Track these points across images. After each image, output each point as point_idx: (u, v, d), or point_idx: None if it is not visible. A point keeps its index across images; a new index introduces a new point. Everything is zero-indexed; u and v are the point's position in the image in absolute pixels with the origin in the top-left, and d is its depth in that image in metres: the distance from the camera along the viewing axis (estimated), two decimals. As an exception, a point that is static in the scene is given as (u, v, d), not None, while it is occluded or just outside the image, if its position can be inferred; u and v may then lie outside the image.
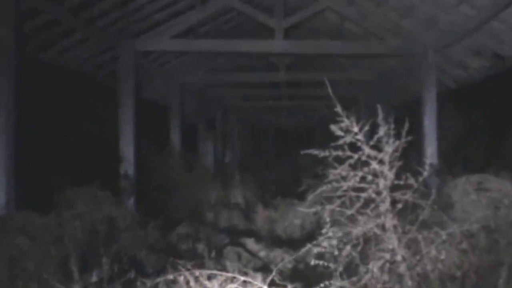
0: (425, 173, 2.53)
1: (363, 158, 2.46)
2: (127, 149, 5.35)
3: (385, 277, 2.35)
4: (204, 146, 9.34)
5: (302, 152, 2.55)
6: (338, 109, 2.41)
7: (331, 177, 2.43)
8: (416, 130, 6.07)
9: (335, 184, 2.44)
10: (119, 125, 5.39)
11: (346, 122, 2.41)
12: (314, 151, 2.39)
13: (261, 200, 7.87)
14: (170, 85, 8.18)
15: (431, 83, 5.94)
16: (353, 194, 2.45)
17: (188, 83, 8.77)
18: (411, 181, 2.47)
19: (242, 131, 14.51)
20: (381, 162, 2.45)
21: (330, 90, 2.61)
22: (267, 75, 8.70)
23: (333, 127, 2.40)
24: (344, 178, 2.43)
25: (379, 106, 2.55)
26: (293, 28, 6.19)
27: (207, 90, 10.20)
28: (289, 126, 18.79)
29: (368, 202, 2.45)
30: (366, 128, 2.45)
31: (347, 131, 2.44)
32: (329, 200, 2.52)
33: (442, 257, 2.40)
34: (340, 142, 2.44)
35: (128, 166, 5.29)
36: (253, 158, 15.47)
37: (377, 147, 2.49)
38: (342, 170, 2.40)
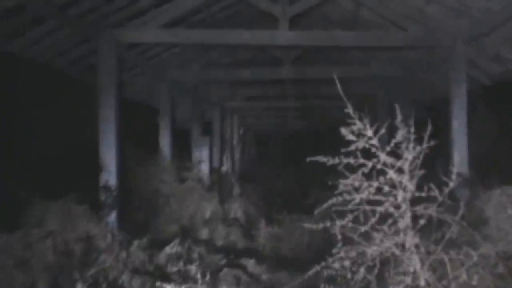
0: (453, 184, 2.53)
1: (379, 166, 2.47)
2: (108, 156, 5.33)
3: (406, 305, 2.35)
4: (199, 153, 9.33)
5: (309, 159, 2.57)
6: (349, 109, 2.41)
7: (341, 188, 2.45)
8: (443, 133, 6.04)
9: (346, 197, 2.45)
10: (99, 129, 5.38)
11: (358, 125, 2.41)
12: (322, 159, 2.40)
13: (264, 214, 7.87)
14: (159, 82, 8.20)
15: (460, 79, 5.88)
16: (367, 207, 2.46)
17: (180, 81, 8.79)
18: (436, 193, 2.46)
19: (243, 136, 14.54)
20: (399, 170, 2.46)
21: (339, 87, 2.60)
22: (270, 71, 8.70)
23: (343, 131, 2.40)
24: (356, 190, 2.44)
25: (397, 106, 2.54)
26: (300, 16, 6.18)
27: (202, 89, 10.23)
28: (296, 129, 18.89)
29: (385, 217, 2.46)
30: (382, 131, 2.45)
31: (359, 135, 2.45)
32: (340, 214, 2.53)
33: (474, 282, 2.39)
34: (352, 147, 2.46)
35: (109, 176, 5.27)
36: (256, 167, 15.58)
37: (395, 154, 2.50)
38: (354, 180, 2.40)
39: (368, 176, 2.49)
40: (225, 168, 9.96)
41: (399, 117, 2.54)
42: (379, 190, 2.46)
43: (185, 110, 10.44)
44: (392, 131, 2.58)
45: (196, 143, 9.43)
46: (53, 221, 3.42)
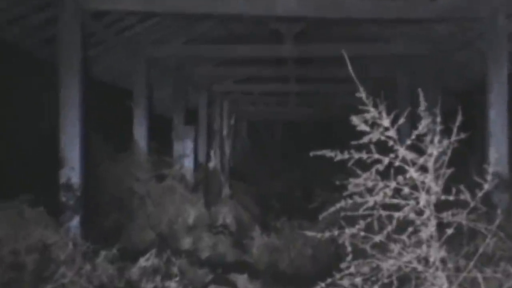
0: (488, 186, 2.51)
1: (397, 163, 2.46)
2: (71, 148, 5.28)
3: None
4: (181, 146, 9.33)
5: (313, 154, 2.57)
6: (361, 93, 2.39)
7: (351, 189, 2.45)
8: (477, 125, 6.03)
9: (357, 199, 2.45)
10: (59, 116, 5.33)
11: (372, 113, 2.40)
12: (328, 153, 2.39)
13: (259, 221, 7.92)
14: (134, 60, 8.15)
15: (501, 60, 5.83)
16: (383, 213, 2.46)
17: (159, 58, 8.74)
18: (467, 196, 2.46)
19: (235, 126, 14.54)
20: (422, 169, 2.46)
21: (350, 68, 2.58)
22: (268, 48, 8.66)
23: (354, 120, 2.40)
24: (370, 191, 2.44)
25: (420, 91, 2.53)
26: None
27: (186, 69, 10.19)
28: (298, 119, 18.95)
29: (404, 225, 2.46)
30: (401, 120, 2.44)
31: (374, 125, 2.45)
32: (350, 221, 2.54)
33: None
34: (365, 140, 2.46)
35: (71, 172, 5.22)
36: (250, 163, 15.61)
37: (417, 148, 2.49)
38: (367, 179, 2.41)
39: (384, 175, 2.48)
40: (212, 164, 9.95)
41: (422, 104, 2.52)
42: (397, 192, 2.45)
43: (164, 95, 10.39)
44: (414, 121, 2.56)
45: (178, 134, 9.41)
46: (0, 227, 3.38)
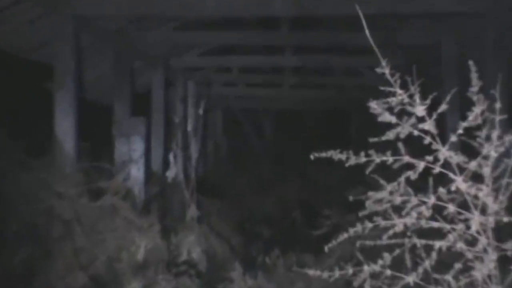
0: None
1: (437, 169, 2.48)
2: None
3: None
4: (127, 147, 9.29)
5: (317, 157, 2.57)
6: (383, 68, 2.40)
7: (372, 207, 2.48)
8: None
9: (381, 222, 2.47)
10: None
11: (400, 96, 2.40)
12: (339, 155, 2.38)
13: (241, 255, 7.90)
14: (55, 20, 8.09)
15: None
16: (417, 242, 2.47)
17: (92, 18, 8.68)
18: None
19: (205, 118, 14.49)
20: (475, 178, 2.46)
21: (366, 30, 2.58)
22: (255, 3, 8.66)
23: (373, 106, 2.40)
24: (398, 210, 2.45)
25: (472, 64, 2.54)
26: None
27: (132, 34, 10.15)
28: (298, 107, 18.90)
29: (449, 259, 2.46)
30: (444, 107, 2.45)
31: (402, 114, 2.45)
32: (371, 254, 2.57)
33: None
34: (390, 136, 2.48)
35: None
36: (228, 170, 15.54)
37: (468, 148, 2.52)
38: (394, 193, 2.40)
39: (418, 187, 2.50)
40: (172, 173, 9.91)
41: (475, 83, 2.53)
42: (438, 211, 2.46)
43: (101, 72, 10.32)
44: (462, 108, 2.57)
45: (122, 129, 9.36)
46: None
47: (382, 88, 2.53)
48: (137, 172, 9.12)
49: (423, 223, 2.48)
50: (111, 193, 7.79)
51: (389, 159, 2.46)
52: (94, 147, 8.39)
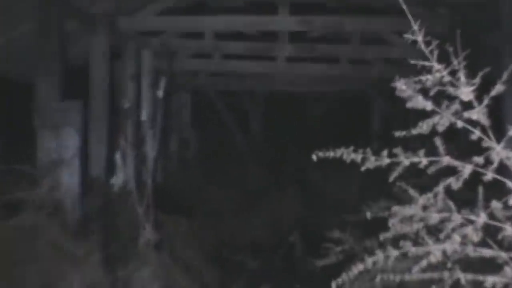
0: None
1: (489, 174, 2.50)
2: None
3: None
4: (55, 142, 9.30)
5: (320, 156, 2.58)
6: (415, 34, 2.42)
7: (398, 227, 2.45)
8: None
9: (410, 248, 2.49)
10: None
11: (438, 73, 2.41)
12: (351, 155, 2.39)
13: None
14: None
15: None
16: (461, 276, 2.48)
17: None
18: None
19: (167, 103, 14.50)
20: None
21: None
22: None
23: (401, 87, 2.41)
24: (434, 231, 2.44)
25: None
26: None
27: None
28: (297, 89, 18.82)
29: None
30: (499, 89, 2.46)
31: (440, 98, 2.47)
32: None
33: None
34: (424, 128, 2.48)
35: None
36: (198, 177, 15.41)
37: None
38: (428, 207, 2.41)
39: (462, 200, 2.51)
40: (120, 179, 9.94)
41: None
42: (489, 233, 2.48)
43: (17, 35, 10.30)
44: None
45: (48, 118, 9.35)
46: None
47: (413, 62, 2.52)
48: (69, 179, 9.09)
49: (470, 251, 2.49)
50: (33, 208, 7.76)
51: (423, 160, 2.47)
52: (8, 143, 8.37)
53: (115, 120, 11.83)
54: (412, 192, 2.52)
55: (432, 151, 2.54)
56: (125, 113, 12.13)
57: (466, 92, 2.50)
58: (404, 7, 2.58)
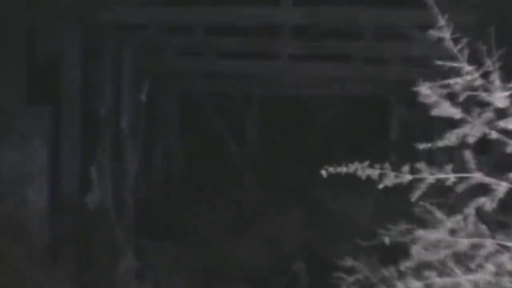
0: None
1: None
2: None
3: None
4: (19, 154, 9.33)
5: (328, 171, 2.57)
6: (442, 29, 2.39)
7: (420, 254, 2.44)
8: None
9: (435, 279, 2.45)
10: None
11: (469, 75, 2.40)
12: (366, 171, 2.36)
13: None
14: None
15: None
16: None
17: None
18: None
19: (155, 107, 14.59)
20: None
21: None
22: None
23: (425, 92, 2.39)
24: (462, 259, 2.42)
25: None
26: None
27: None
28: (302, 93, 18.94)
29: None
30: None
31: (469, 104, 2.43)
32: None
33: None
34: (451, 139, 2.43)
35: None
36: (189, 193, 15.46)
37: None
38: (457, 231, 2.39)
39: (496, 223, 2.47)
40: (96, 197, 9.97)
41: None
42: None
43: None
44: None
45: (11, 126, 9.38)
46: None
47: (439, 62, 2.51)
48: (37, 196, 9.12)
49: (506, 282, 2.47)
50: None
51: (450, 177, 2.44)
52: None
53: (91, 128, 11.84)
54: (437, 213, 2.48)
55: (461, 166, 2.50)
56: (102, 120, 12.16)
57: (500, 98, 2.46)
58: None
